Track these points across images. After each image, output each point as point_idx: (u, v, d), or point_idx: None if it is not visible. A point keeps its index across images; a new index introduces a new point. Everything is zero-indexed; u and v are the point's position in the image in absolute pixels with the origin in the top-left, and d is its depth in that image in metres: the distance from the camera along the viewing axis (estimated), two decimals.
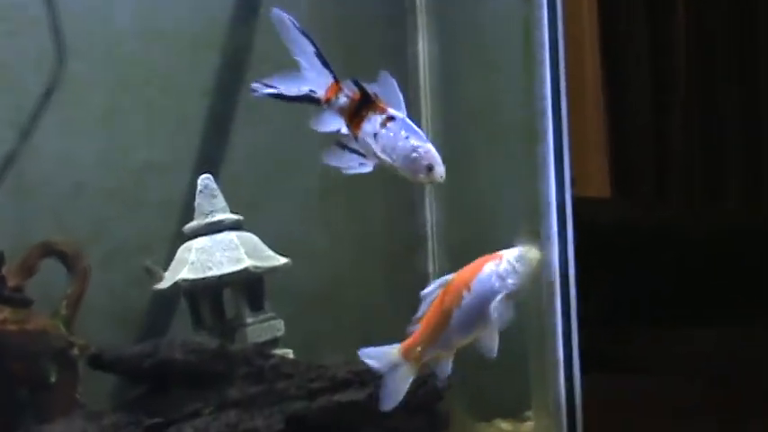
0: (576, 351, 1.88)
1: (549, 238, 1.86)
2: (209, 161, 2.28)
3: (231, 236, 2.02)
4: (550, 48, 1.84)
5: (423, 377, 1.68)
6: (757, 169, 3.42)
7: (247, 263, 1.99)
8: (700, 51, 3.87)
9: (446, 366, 1.55)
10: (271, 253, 2.08)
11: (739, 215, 3.04)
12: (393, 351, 1.51)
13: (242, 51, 2.32)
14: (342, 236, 2.45)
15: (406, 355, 1.51)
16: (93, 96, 2.23)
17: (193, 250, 2.02)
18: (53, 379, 1.96)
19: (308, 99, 1.42)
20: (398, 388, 1.50)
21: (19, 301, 1.92)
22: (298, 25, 1.38)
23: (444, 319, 1.46)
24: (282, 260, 2.03)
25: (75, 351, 2.02)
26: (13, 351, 1.91)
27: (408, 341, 1.49)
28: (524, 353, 1.95)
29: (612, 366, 2.00)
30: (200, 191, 2.05)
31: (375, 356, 1.51)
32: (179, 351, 1.76)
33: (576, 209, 1.88)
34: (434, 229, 2.52)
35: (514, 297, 1.44)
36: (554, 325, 1.82)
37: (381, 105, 1.40)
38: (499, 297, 1.45)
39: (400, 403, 1.50)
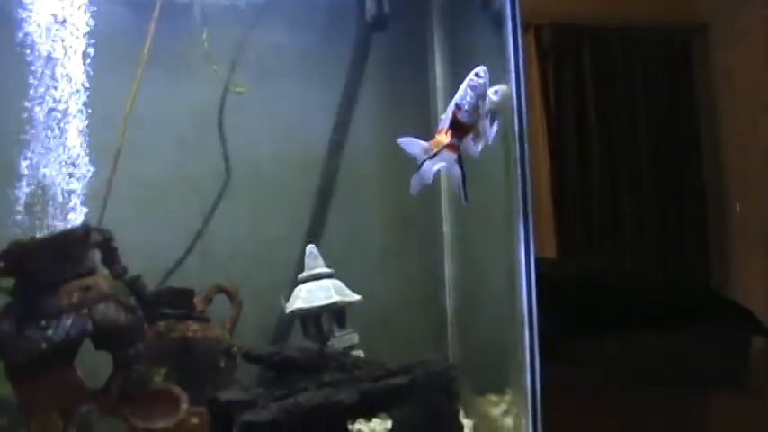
0: (537, 351, 2.01)
1: (520, 285, 2.05)
2: (314, 236, 2.71)
3: (327, 282, 2.39)
4: (521, 164, 2.02)
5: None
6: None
7: (335, 298, 2.36)
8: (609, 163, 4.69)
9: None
10: (350, 292, 2.40)
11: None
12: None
13: (333, 169, 2.78)
14: (394, 282, 2.79)
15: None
16: (244, 197, 2.70)
17: (303, 290, 2.40)
18: (222, 365, 2.34)
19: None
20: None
21: (202, 319, 2.37)
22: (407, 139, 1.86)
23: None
24: (357, 297, 2.39)
25: (235, 349, 2.34)
26: (200, 348, 2.31)
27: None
28: (505, 351, 2.15)
29: (561, 360, 2.27)
30: (308, 254, 2.44)
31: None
32: (295, 351, 2.03)
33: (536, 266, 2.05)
34: (451, 280, 2.82)
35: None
36: (524, 335, 2.03)
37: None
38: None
39: (430, 385, 1.89)
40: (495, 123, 2.05)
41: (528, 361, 2.05)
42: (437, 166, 1.90)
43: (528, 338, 2.05)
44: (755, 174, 5.54)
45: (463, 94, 1.89)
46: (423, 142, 1.91)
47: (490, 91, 1.99)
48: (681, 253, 5.59)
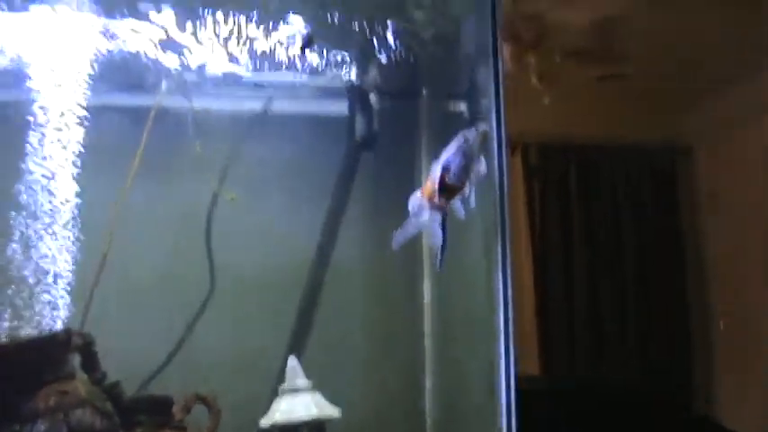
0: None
1: (500, 400, 2.06)
2: (296, 347, 2.69)
3: (307, 396, 2.35)
4: (503, 284, 2.06)
5: None
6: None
7: (315, 413, 2.32)
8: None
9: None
10: (330, 407, 2.36)
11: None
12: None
13: (318, 281, 2.80)
14: (375, 395, 2.76)
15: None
16: (228, 306, 2.69)
17: (283, 403, 2.35)
18: None
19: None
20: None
21: (180, 428, 2.29)
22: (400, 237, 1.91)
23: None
24: (336, 412, 2.35)
25: None
26: None
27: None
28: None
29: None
30: (289, 366, 2.40)
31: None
32: None
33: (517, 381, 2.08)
34: (432, 394, 2.80)
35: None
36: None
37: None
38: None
39: None
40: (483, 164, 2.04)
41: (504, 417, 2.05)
42: (421, 220, 1.94)
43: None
44: (740, 293, 5.61)
45: (452, 156, 1.92)
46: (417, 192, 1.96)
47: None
48: (667, 370, 5.61)
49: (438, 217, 1.93)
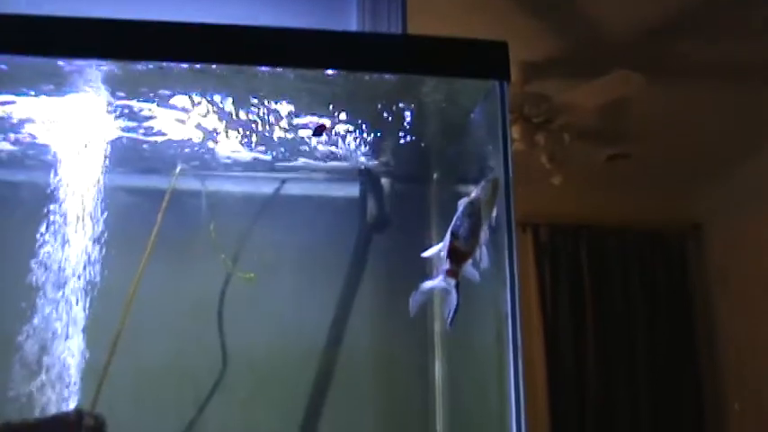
0: None
1: None
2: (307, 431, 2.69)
3: None
4: (514, 369, 2.03)
5: None
6: None
7: None
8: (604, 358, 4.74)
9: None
10: None
11: None
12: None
13: (329, 365, 2.77)
14: None
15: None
16: (239, 389, 2.68)
17: None
18: None
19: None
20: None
21: None
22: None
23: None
24: None
25: None
26: None
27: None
28: None
29: None
30: None
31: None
32: None
33: None
34: None
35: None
36: None
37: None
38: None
39: None
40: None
41: None
42: (435, 283, 1.96)
43: None
44: (754, 375, 5.56)
45: (459, 221, 1.98)
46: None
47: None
48: None
49: (453, 283, 1.95)
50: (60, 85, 2.27)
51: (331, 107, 2.42)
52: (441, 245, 2.01)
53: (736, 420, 5.55)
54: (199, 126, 2.49)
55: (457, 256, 1.96)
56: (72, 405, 2.34)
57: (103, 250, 2.48)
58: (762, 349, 5.38)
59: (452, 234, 1.98)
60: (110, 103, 2.38)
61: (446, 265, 1.97)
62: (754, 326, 5.48)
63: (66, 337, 2.40)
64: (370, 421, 2.89)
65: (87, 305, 2.43)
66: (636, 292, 5.88)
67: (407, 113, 2.46)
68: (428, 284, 1.99)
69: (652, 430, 5.48)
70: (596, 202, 5.71)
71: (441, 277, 1.97)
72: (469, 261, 1.98)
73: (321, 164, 2.77)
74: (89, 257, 2.46)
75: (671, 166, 5.55)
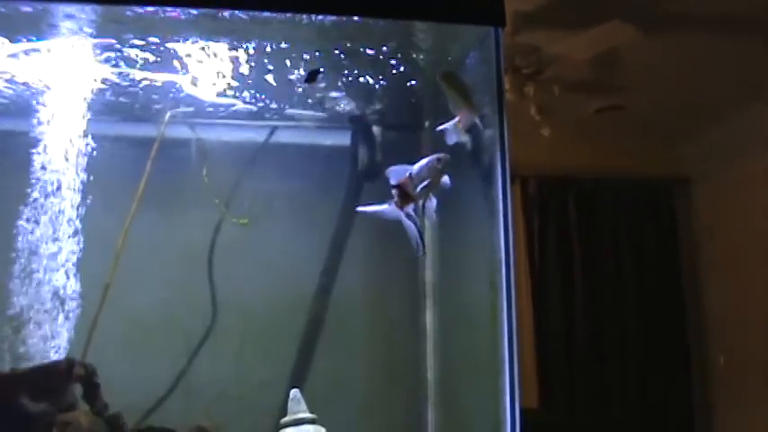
0: None
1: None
2: (298, 380, 2.70)
3: (309, 428, 2.28)
4: (507, 316, 2.09)
5: None
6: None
7: None
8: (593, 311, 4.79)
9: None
10: None
11: None
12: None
13: (320, 313, 2.81)
14: (378, 428, 2.77)
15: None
16: (230, 337, 2.70)
17: None
18: None
19: None
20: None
21: None
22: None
23: None
24: None
25: None
26: None
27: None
28: None
29: None
30: (291, 398, 2.34)
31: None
32: None
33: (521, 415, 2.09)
34: (435, 427, 2.80)
35: None
36: None
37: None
38: None
39: None
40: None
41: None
42: (381, 208, 2.12)
43: None
44: (740, 328, 5.62)
45: (419, 169, 2.08)
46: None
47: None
48: (665, 406, 5.60)
49: (400, 213, 2.09)
50: (49, 31, 2.23)
51: (324, 53, 2.40)
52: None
53: (721, 373, 5.62)
54: (188, 73, 2.46)
55: (404, 195, 2.09)
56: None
57: (90, 199, 2.46)
58: (746, 303, 5.42)
59: (410, 175, 2.09)
60: (99, 49, 2.35)
61: (396, 198, 2.11)
62: (740, 279, 5.52)
63: (56, 287, 2.40)
64: (362, 368, 2.90)
65: (76, 255, 2.42)
66: (624, 244, 5.89)
67: (400, 60, 2.44)
68: (373, 208, 2.15)
69: (639, 380, 5.53)
70: (585, 155, 5.70)
71: (390, 206, 2.10)
72: (411, 206, 2.10)
73: (312, 112, 2.76)
74: (77, 207, 2.45)
75: (660, 119, 5.54)
